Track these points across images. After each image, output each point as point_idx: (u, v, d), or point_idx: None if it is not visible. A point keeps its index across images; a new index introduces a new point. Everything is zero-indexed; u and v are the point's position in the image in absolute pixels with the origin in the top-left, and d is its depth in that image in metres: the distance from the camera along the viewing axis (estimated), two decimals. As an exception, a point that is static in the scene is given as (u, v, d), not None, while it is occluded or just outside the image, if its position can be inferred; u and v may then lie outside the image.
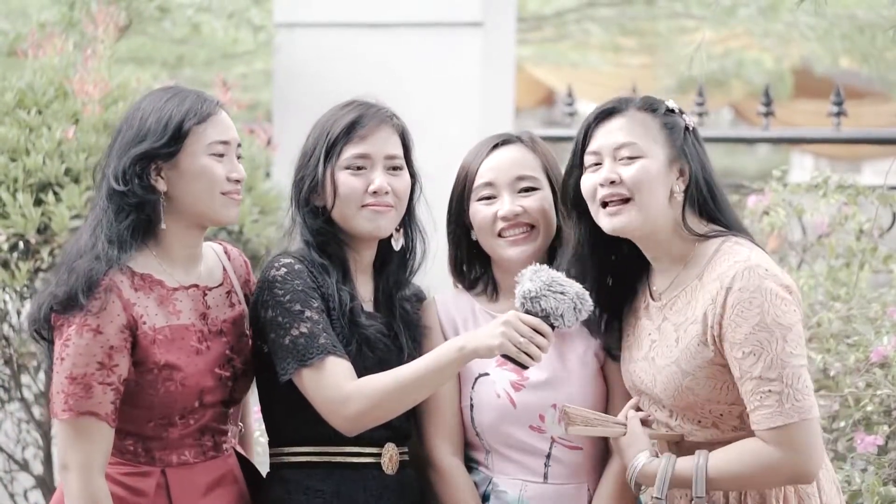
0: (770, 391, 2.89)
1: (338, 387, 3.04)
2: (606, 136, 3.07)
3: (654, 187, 3.03)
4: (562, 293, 2.95)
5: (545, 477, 3.21)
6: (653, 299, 3.13)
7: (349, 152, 3.21)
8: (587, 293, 2.98)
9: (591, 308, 2.99)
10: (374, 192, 3.19)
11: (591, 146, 3.09)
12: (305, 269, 3.15)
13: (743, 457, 2.94)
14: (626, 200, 3.03)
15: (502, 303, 3.29)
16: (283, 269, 3.13)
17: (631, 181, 3.02)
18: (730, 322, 2.93)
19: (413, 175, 3.30)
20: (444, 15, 6.46)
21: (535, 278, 2.96)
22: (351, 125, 3.21)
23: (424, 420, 3.26)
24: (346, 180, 3.20)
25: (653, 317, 3.12)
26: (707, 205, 3.07)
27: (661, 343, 3.08)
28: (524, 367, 2.96)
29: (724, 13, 10.52)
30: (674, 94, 12.83)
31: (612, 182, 3.03)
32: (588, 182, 3.08)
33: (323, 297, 3.14)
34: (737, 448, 2.96)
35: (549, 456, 3.21)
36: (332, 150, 3.21)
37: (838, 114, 5.51)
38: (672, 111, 3.09)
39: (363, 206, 3.20)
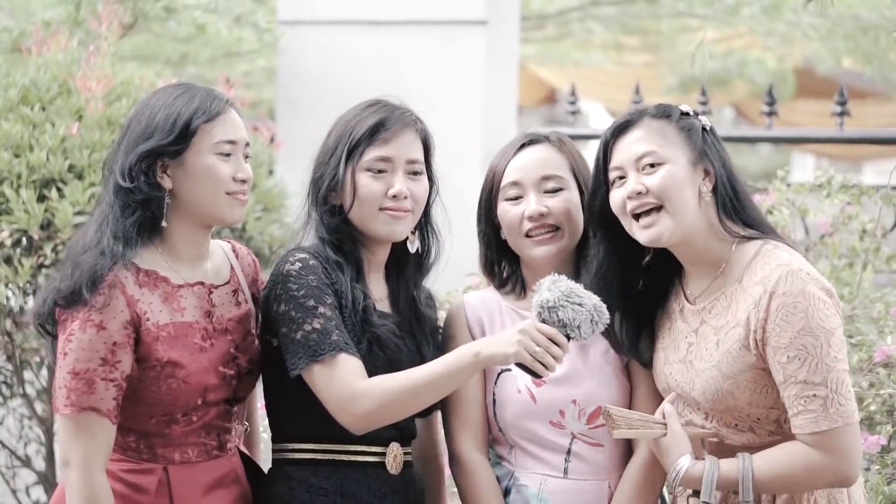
0: (815, 396, 2.89)
1: (348, 384, 3.02)
2: (626, 150, 3.06)
3: (682, 190, 3.01)
4: (580, 304, 2.93)
5: (565, 472, 3.20)
6: (688, 302, 3.12)
7: (371, 155, 3.18)
8: (605, 306, 2.96)
9: (608, 321, 2.98)
10: (394, 197, 3.17)
11: (613, 162, 3.08)
12: (320, 265, 3.13)
13: (786, 460, 2.94)
14: (657, 209, 3.02)
15: (529, 300, 3.27)
16: (298, 264, 3.11)
17: (657, 188, 3.01)
18: (774, 326, 2.92)
19: (431, 179, 3.28)
20: (448, 13, 6.46)
21: (553, 288, 2.94)
22: (375, 127, 3.18)
23: (450, 416, 3.26)
24: (367, 183, 3.18)
25: (689, 320, 3.11)
26: (734, 204, 3.06)
27: (699, 346, 3.06)
28: (538, 375, 2.94)
29: (727, 12, 10.54)
30: (676, 93, 12.87)
31: (639, 193, 3.02)
32: (616, 197, 3.07)
33: (336, 293, 3.12)
34: (779, 451, 2.96)
35: (569, 452, 3.20)
36: (354, 150, 3.18)
37: (842, 114, 5.51)
38: (686, 114, 3.08)
39: (381, 209, 3.18)
